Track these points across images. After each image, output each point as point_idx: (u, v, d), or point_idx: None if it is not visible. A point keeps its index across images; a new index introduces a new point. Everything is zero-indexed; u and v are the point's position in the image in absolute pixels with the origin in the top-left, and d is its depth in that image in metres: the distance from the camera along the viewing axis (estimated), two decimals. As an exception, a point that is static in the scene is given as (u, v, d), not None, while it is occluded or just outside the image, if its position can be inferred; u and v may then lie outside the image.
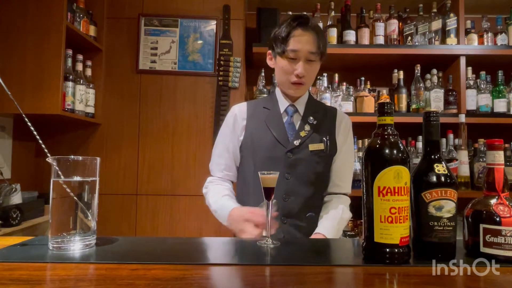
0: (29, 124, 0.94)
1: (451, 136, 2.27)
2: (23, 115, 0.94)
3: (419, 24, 2.45)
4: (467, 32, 2.46)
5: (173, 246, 1.00)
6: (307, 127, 1.36)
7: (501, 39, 2.45)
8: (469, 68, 2.42)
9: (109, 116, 2.44)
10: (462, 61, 2.38)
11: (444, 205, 0.81)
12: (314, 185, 1.35)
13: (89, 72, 2.34)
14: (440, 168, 0.83)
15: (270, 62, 1.43)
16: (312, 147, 1.34)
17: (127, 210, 2.40)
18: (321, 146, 1.35)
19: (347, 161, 1.43)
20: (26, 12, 2.02)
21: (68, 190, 0.88)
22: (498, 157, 0.82)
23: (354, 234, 2.06)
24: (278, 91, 1.45)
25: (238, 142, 1.41)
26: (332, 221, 1.31)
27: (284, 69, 1.34)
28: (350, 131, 1.46)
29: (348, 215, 1.38)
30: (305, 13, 1.38)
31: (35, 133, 0.94)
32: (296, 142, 1.33)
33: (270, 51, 1.42)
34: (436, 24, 2.43)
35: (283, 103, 1.41)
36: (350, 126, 1.46)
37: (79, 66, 2.24)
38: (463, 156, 2.25)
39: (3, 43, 2.01)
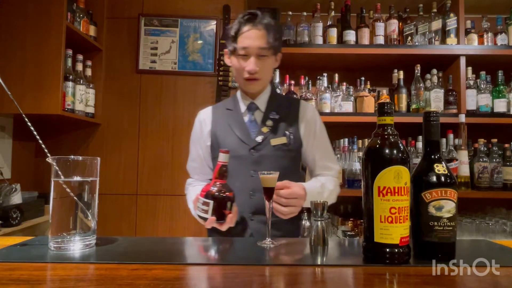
0: (29, 124, 0.94)
1: (451, 136, 2.27)
2: (23, 115, 0.94)
3: (419, 24, 2.45)
4: (467, 32, 2.46)
5: (173, 246, 1.00)
6: (269, 123, 1.37)
7: (501, 39, 2.45)
8: (469, 68, 2.42)
9: (109, 116, 2.44)
10: (462, 61, 2.38)
11: (444, 205, 0.81)
12: (281, 180, 1.33)
13: (89, 72, 2.34)
14: (440, 168, 0.83)
15: (227, 61, 1.44)
16: (274, 141, 1.34)
17: (127, 210, 2.40)
18: (283, 140, 1.35)
19: (325, 142, 1.43)
20: (26, 12, 2.02)
21: (68, 190, 0.88)
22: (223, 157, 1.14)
23: (354, 234, 2.05)
24: (239, 91, 1.47)
25: (207, 147, 1.44)
26: (315, 182, 1.34)
27: (236, 66, 1.36)
28: (317, 119, 1.45)
29: (333, 186, 1.37)
30: (255, 10, 1.40)
31: (35, 133, 0.94)
32: (259, 139, 1.34)
33: (226, 50, 1.42)
34: (436, 24, 2.43)
35: (244, 102, 1.43)
36: (316, 114, 1.46)
37: (79, 66, 2.24)
38: (463, 156, 2.25)
39: (3, 43, 2.01)
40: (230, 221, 1.14)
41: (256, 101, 1.41)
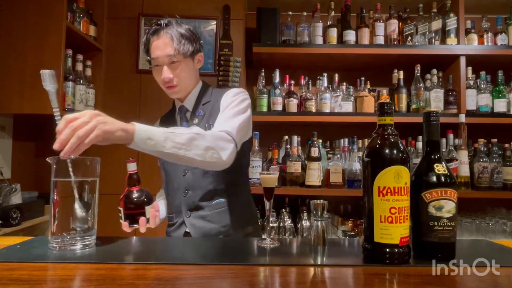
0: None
1: (451, 136, 2.27)
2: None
3: (419, 24, 2.45)
4: (467, 32, 2.46)
5: (173, 246, 1.00)
6: (195, 121, 1.39)
7: (501, 39, 2.45)
8: (469, 68, 2.42)
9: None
10: (462, 61, 2.38)
11: (444, 205, 0.81)
12: (211, 174, 1.33)
13: (89, 72, 2.34)
14: (440, 168, 0.83)
15: None
16: None
17: (127, 210, 2.39)
18: None
19: (229, 113, 1.30)
20: (26, 12, 2.02)
21: (68, 190, 0.88)
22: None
23: (354, 234, 2.05)
24: None
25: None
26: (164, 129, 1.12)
27: (155, 77, 1.38)
28: (233, 97, 1.34)
29: (200, 132, 1.14)
30: (164, 20, 1.36)
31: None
32: None
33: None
34: (436, 24, 2.43)
35: (177, 106, 1.47)
36: (233, 94, 1.36)
37: (79, 66, 2.24)
38: (463, 156, 2.25)
39: (3, 43, 2.01)
40: (143, 224, 1.19)
41: (185, 103, 1.43)
